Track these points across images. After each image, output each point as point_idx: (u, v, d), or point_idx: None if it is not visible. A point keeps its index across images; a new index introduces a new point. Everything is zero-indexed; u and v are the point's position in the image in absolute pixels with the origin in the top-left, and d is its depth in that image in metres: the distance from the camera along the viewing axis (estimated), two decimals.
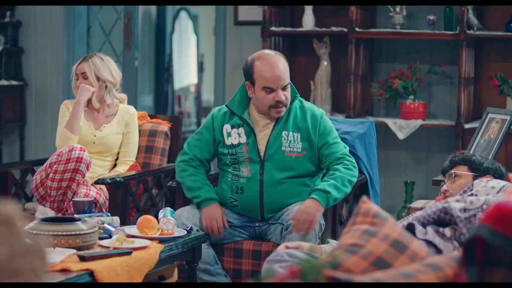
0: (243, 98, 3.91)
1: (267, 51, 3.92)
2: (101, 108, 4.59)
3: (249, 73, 3.83)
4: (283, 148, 3.81)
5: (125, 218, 4.16)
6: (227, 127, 3.88)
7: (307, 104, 3.90)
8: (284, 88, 3.77)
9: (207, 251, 3.78)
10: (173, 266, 4.53)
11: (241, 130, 3.86)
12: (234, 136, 3.86)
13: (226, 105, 3.92)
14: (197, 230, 3.74)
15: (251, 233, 3.91)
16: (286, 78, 3.78)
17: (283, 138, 3.81)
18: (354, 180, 3.78)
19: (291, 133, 3.81)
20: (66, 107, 4.57)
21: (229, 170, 3.88)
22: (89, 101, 4.55)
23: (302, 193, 3.82)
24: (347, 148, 3.88)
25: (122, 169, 4.52)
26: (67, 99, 4.79)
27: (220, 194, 3.91)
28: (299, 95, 3.91)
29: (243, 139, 3.84)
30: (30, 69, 6.84)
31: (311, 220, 3.62)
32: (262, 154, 3.82)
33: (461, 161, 3.31)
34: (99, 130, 4.55)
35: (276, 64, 3.76)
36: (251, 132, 3.84)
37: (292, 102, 3.84)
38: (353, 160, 3.83)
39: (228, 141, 3.87)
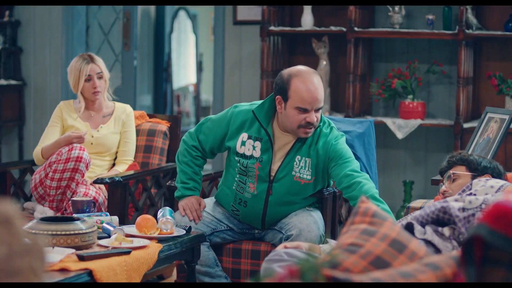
0: (271, 109, 3.71)
1: (304, 68, 3.68)
2: (100, 108, 4.59)
3: (283, 88, 3.61)
4: (293, 173, 3.69)
5: (124, 218, 4.16)
6: (244, 136, 3.74)
7: (326, 128, 3.73)
8: (317, 110, 3.62)
9: (207, 253, 3.78)
10: (172, 265, 4.53)
11: (258, 144, 3.71)
12: (248, 147, 3.72)
13: (253, 111, 3.71)
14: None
15: (249, 238, 3.91)
16: (322, 100, 3.62)
17: (295, 163, 3.69)
18: (374, 190, 3.58)
19: (303, 158, 3.69)
20: (60, 111, 4.55)
21: (236, 178, 3.78)
22: (92, 102, 4.55)
23: (303, 205, 3.80)
24: (359, 164, 3.70)
25: (121, 169, 4.52)
26: (63, 100, 4.75)
27: (222, 197, 3.89)
28: (325, 121, 3.75)
29: (257, 154, 3.71)
30: (29, 69, 6.84)
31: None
32: (273, 174, 3.72)
33: (459, 161, 3.31)
34: (97, 130, 4.54)
35: (315, 85, 3.58)
36: (269, 150, 3.70)
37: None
38: (364, 173, 3.67)
39: (240, 150, 3.74)
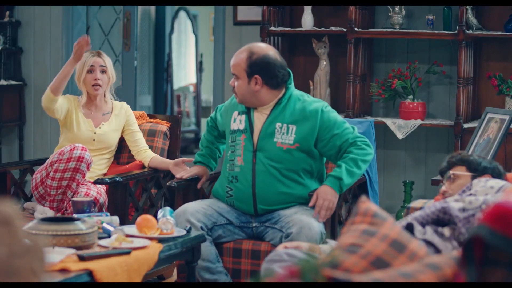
0: None
1: (255, 43, 4.02)
2: (100, 106, 4.61)
3: None
4: (275, 140, 3.86)
5: (124, 218, 4.16)
6: (235, 113, 3.98)
7: (308, 98, 3.94)
8: (235, 76, 3.90)
9: (209, 249, 3.81)
10: (172, 265, 4.53)
11: (243, 117, 3.94)
12: (237, 122, 3.96)
13: None
14: (201, 227, 3.81)
15: (248, 234, 3.93)
16: (233, 69, 3.90)
17: (276, 130, 3.87)
18: (369, 158, 3.85)
19: (285, 124, 3.86)
20: (66, 97, 4.58)
21: (229, 159, 3.96)
22: (93, 98, 4.56)
23: (293, 187, 3.85)
24: (356, 129, 3.91)
25: (152, 154, 4.58)
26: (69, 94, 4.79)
27: (219, 187, 4.01)
28: (292, 89, 3.94)
29: (242, 126, 3.92)
30: (29, 69, 6.84)
31: (331, 207, 3.78)
32: (255, 143, 3.88)
33: (459, 161, 3.30)
34: (98, 127, 4.56)
35: (235, 54, 3.93)
36: (250, 120, 3.92)
37: (284, 94, 3.90)
38: (365, 139, 3.87)
39: (232, 126, 3.97)
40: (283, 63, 3.90)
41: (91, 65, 4.52)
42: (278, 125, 3.87)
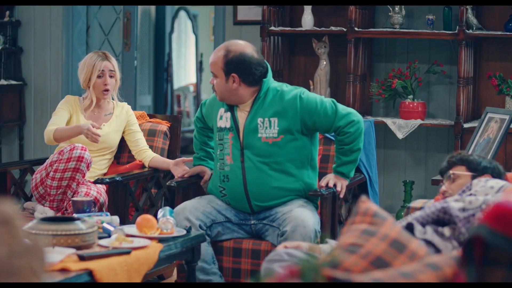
0: None
1: (233, 41, 4.00)
2: (103, 107, 4.62)
3: None
4: (259, 135, 3.86)
5: (124, 218, 4.16)
6: (221, 111, 3.97)
7: (287, 87, 3.92)
8: (215, 75, 3.90)
9: (206, 249, 3.81)
10: (172, 265, 4.54)
11: (228, 114, 3.93)
12: (224, 120, 3.95)
13: None
14: (199, 226, 3.82)
15: (247, 231, 3.94)
16: (211, 67, 3.90)
17: (258, 125, 3.86)
18: (360, 138, 3.87)
19: (267, 119, 3.86)
20: (67, 102, 4.57)
21: (218, 157, 3.97)
22: (98, 100, 4.57)
23: (285, 180, 3.86)
24: (337, 104, 3.87)
25: (152, 154, 4.57)
26: (69, 95, 4.78)
27: (213, 186, 4.03)
28: (268, 82, 3.90)
29: (228, 124, 3.92)
30: (29, 69, 6.84)
31: (343, 185, 3.95)
32: (241, 140, 3.89)
33: (459, 161, 3.30)
34: (100, 128, 4.56)
35: (213, 52, 3.94)
36: (234, 118, 3.92)
37: (261, 89, 3.87)
38: (348, 118, 3.84)
39: (218, 123, 3.96)
40: (260, 60, 3.89)
41: (102, 70, 4.51)
42: (259, 120, 3.86)
